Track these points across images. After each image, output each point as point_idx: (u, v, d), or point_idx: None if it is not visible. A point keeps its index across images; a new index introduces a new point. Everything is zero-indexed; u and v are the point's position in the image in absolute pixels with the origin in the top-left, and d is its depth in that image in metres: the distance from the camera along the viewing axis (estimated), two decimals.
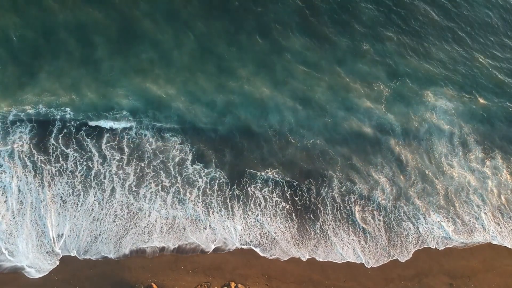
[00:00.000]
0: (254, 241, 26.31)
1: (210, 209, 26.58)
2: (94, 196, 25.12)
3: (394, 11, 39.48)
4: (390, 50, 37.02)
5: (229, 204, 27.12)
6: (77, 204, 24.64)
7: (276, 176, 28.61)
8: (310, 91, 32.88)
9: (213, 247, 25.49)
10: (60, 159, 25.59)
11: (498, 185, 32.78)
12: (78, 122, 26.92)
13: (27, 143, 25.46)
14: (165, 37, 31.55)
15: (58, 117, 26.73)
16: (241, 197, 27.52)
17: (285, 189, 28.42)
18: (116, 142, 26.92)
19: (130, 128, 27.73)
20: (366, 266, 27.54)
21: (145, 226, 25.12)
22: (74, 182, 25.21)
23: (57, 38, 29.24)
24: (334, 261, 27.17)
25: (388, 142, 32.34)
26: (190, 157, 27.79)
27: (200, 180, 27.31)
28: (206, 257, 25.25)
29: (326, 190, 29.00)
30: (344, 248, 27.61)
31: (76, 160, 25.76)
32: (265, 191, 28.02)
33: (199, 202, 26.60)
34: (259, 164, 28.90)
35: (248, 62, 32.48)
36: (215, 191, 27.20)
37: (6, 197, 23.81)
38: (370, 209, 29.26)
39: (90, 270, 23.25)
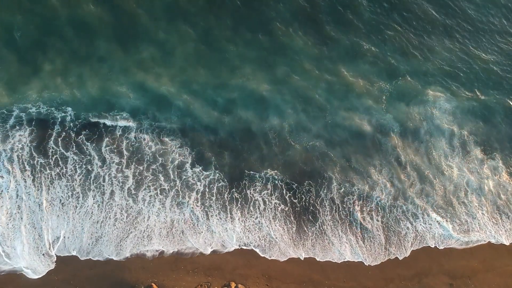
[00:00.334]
0: (253, 242, 26.67)
1: (209, 212, 26.96)
2: (94, 199, 25.52)
3: (394, 10, 40.25)
4: (391, 49, 37.63)
5: (228, 207, 27.50)
6: (76, 207, 25.01)
7: (276, 177, 29.08)
8: (311, 90, 33.45)
9: (210, 250, 25.78)
10: (59, 162, 26.01)
11: (497, 185, 33.30)
12: (77, 123, 27.30)
13: (27, 145, 25.93)
14: (166, 35, 32.16)
15: (58, 117, 27.19)
16: (240, 200, 27.89)
17: (284, 191, 28.86)
18: (115, 145, 27.36)
19: (130, 130, 28.23)
20: (365, 263, 27.84)
21: (144, 230, 25.46)
22: (73, 185, 25.62)
23: (56, 36, 29.82)
24: (333, 260, 27.48)
25: (387, 143, 32.87)
26: (189, 160, 28.25)
27: (199, 183, 27.71)
28: (206, 258, 25.57)
29: (325, 191, 29.49)
30: (342, 247, 27.98)
31: (75, 163, 26.19)
32: (264, 193, 28.44)
33: (197, 206, 26.99)
34: (258, 166, 29.36)
35: (249, 60, 33.08)
36: (214, 194, 27.62)
37: (4, 198, 24.17)
38: (368, 209, 29.73)
39: (90, 270, 23.53)
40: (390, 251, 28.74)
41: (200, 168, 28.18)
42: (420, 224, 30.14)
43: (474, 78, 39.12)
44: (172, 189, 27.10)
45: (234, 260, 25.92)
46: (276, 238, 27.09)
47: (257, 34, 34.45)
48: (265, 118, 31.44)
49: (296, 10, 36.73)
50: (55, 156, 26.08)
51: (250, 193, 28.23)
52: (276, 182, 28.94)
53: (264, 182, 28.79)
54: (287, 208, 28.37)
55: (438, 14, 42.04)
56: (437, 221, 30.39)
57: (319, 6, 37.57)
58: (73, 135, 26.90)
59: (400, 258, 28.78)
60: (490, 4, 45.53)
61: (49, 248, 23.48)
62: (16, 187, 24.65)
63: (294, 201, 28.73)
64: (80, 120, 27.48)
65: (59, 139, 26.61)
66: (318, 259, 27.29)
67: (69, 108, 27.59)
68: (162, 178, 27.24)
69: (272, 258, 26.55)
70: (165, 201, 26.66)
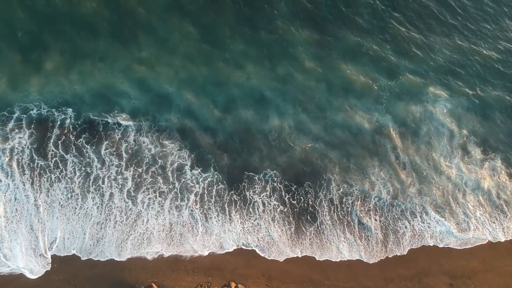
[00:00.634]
0: (252, 243, 27.00)
1: (207, 215, 27.30)
2: (93, 201, 25.89)
3: (395, 9, 41.04)
4: (391, 48, 38.23)
5: (227, 209, 27.85)
6: (75, 208, 25.38)
7: (275, 179, 29.49)
8: (311, 90, 34.00)
9: (207, 253, 26.09)
10: (59, 164, 26.42)
11: (496, 185, 33.74)
12: (77, 125, 27.78)
13: (27, 148, 26.36)
14: (166, 33, 32.86)
15: (58, 119, 27.65)
16: (239, 201, 28.24)
17: (283, 193, 29.23)
18: (115, 148, 27.79)
19: (130, 132, 28.67)
20: (364, 261, 28.15)
21: (143, 233, 25.79)
22: (72, 187, 26.01)
23: (57, 34, 30.47)
24: (331, 259, 27.78)
25: (387, 143, 33.33)
26: (189, 162, 28.65)
27: (197, 186, 28.08)
28: (206, 258, 25.85)
29: (324, 192, 29.89)
30: (340, 246, 28.32)
31: (74, 165, 26.60)
32: (263, 195, 28.82)
33: (196, 208, 27.35)
34: (258, 167, 29.76)
35: (250, 60, 33.68)
36: (213, 197, 27.98)
37: (3, 199, 24.57)
38: (367, 208, 30.13)
39: (90, 270, 23.79)
40: (388, 248, 29.06)
41: (199, 170, 28.55)
42: (419, 223, 30.53)
43: (474, 78, 39.67)
44: (171, 191, 27.42)
45: (234, 260, 26.20)
46: (275, 238, 27.39)
47: (258, 34, 35.09)
48: (265, 119, 31.84)
49: (297, 9, 37.41)
50: (54, 159, 26.46)
51: (250, 194, 28.59)
52: (275, 184, 29.29)
53: (263, 183, 29.13)
54: (286, 209, 28.73)
55: (439, 12, 42.73)
56: (435, 220, 30.76)
57: (320, 5, 38.24)
58: (73, 138, 27.28)
59: (399, 254, 29.06)
60: (491, 2, 46.24)
61: (46, 250, 23.74)
62: (14, 190, 24.98)
63: (293, 202, 29.09)
64: (80, 122, 27.92)
65: (59, 141, 27.00)
66: (317, 258, 27.56)
67: (70, 109, 28.07)
68: (161, 181, 27.58)
69: (271, 257, 26.81)
70: (163, 203, 26.94)
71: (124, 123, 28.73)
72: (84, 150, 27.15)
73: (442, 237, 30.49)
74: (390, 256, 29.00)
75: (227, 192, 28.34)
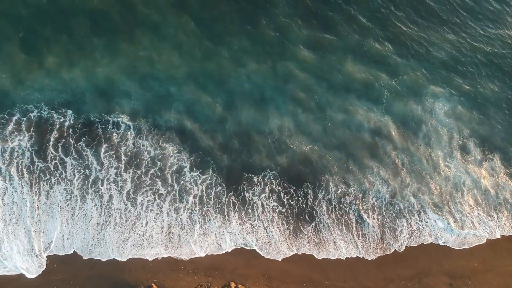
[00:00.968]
0: (250, 243, 27.39)
1: (206, 216, 27.69)
2: (92, 202, 26.31)
3: (396, 8, 41.66)
4: (392, 48, 38.77)
5: (226, 210, 28.23)
6: (74, 208, 25.79)
7: (273, 181, 29.93)
8: (311, 91, 34.49)
9: (203, 254, 26.42)
10: (59, 166, 26.86)
11: (495, 185, 34.25)
12: (77, 127, 28.24)
13: (28, 150, 26.82)
14: (167, 33, 33.51)
15: (58, 121, 28.12)
16: (237, 203, 28.64)
17: (282, 194, 29.65)
18: (114, 150, 28.24)
19: (130, 134, 29.16)
20: (362, 257, 28.62)
21: (142, 235, 26.18)
22: (71, 189, 26.44)
23: (57, 33, 31.11)
24: (329, 257, 28.20)
25: (386, 143, 33.79)
26: (188, 165, 29.06)
27: (196, 188, 28.48)
28: (206, 258, 26.19)
29: (323, 193, 30.32)
30: (338, 243, 28.77)
31: (74, 168, 27.04)
32: (262, 196, 29.24)
33: (196, 210, 27.75)
34: (257, 169, 30.18)
35: (250, 59, 34.24)
36: (212, 199, 28.40)
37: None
38: (365, 207, 30.60)
39: (90, 270, 24.09)
40: (385, 245, 29.46)
41: (198, 171, 28.94)
42: (417, 222, 30.98)
43: (475, 77, 40.17)
44: (170, 194, 27.84)
45: (234, 260, 26.53)
46: (274, 237, 27.77)
47: (258, 33, 35.68)
48: (265, 120, 32.25)
49: (298, 8, 38.10)
50: (54, 161, 26.88)
51: (249, 196, 29.00)
52: (274, 186, 29.71)
53: (262, 185, 29.56)
54: (284, 209, 29.13)
55: (439, 10, 43.47)
56: (434, 219, 31.23)
57: (321, 3, 38.98)
58: (73, 141, 27.72)
59: (398, 250, 29.51)
60: (492, 7, 46.99)
61: (41, 250, 24.09)
62: (12, 193, 25.39)
63: (292, 202, 29.49)
64: (80, 124, 28.37)
65: (59, 144, 27.44)
66: (315, 255, 27.95)
67: (70, 111, 28.58)
68: (159, 183, 27.97)
69: (270, 256, 27.13)
70: (162, 205, 27.31)
71: (123, 125, 29.20)
72: (84, 153, 27.54)
73: (440, 235, 30.90)
74: (388, 253, 29.35)
75: (225, 194, 28.71)
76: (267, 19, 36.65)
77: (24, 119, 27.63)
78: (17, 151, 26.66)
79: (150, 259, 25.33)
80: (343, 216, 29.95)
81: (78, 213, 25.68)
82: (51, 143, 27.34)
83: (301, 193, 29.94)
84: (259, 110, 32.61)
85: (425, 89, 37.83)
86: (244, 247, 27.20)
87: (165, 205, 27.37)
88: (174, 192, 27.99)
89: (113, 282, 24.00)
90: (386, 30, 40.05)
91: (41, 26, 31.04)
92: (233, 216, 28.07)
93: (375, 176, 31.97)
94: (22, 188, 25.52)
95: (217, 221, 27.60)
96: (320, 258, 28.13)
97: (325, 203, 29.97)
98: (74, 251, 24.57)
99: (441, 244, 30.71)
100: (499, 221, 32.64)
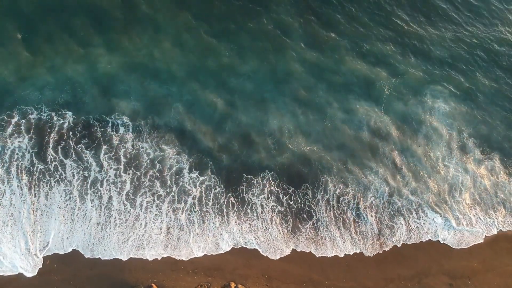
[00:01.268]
0: (249, 242, 27.70)
1: (205, 217, 27.99)
2: (91, 203, 26.64)
3: (396, 7, 42.37)
4: (391, 48, 39.29)
5: (225, 211, 28.53)
6: (74, 208, 26.12)
7: (273, 182, 30.27)
8: (311, 92, 34.93)
9: (201, 254, 26.73)
10: (58, 167, 27.21)
11: (494, 184, 34.64)
12: (77, 129, 28.61)
13: (28, 152, 27.17)
14: (166, 33, 34.05)
15: (57, 123, 28.51)
16: (236, 204, 28.96)
17: (281, 195, 29.95)
18: (114, 152, 28.60)
19: (129, 136, 29.54)
20: (360, 252, 29.08)
21: (142, 235, 26.48)
22: (71, 190, 26.78)
23: (57, 32, 31.80)
24: (325, 254, 28.53)
25: (385, 143, 34.16)
26: (187, 166, 29.41)
27: (195, 189, 28.80)
28: (206, 258, 26.45)
29: (322, 193, 30.68)
30: (336, 240, 29.16)
31: (73, 168, 27.38)
32: (261, 197, 29.57)
33: (194, 211, 28.07)
34: (256, 170, 30.52)
35: (250, 59, 34.78)
36: (211, 200, 28.71)
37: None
38: (364, 206, 30.96)
39: (90, 270, 24.33)
40: (383, 241, 29.81)
41: (197, 173, 29.26)
42: (414, 220, 31.34)
43: (474, 78, 40.65)
44: (169, 195, 28.18)
45: (234, 260, 26.77)
46: (273, 235, 28.08)
47: (259, 32, 36.33)
48: (265, 121, 32.63)
49: (298, 7, 38.80)
50: (54, 163, 27.22)
51: (248, 196, 29.31)
52: (273, 187, 30.04)
53: (261, 186, 29.90)
54: (283, 209, 29.44)
55: (440, 8, 44.23)
56: (432, 217, 31.59)
57: (321, 3, 39.69)
58: (73, 143, 28.07)
59: (398, 245, 29.98)
60: (493, 7, 47.71)
61: (37, 251, 24.37)
62: (11, 194, 25.71)
63: (291, 202, 29.81)
64: (79, 126, 28.75)
65: (59, 146, 27.79)
66: (313, 252, 28.28)
67: (69, 112, 28.99)
68: (158, 184, 28.30)
69: (268, 254, 27.41)
70: (161, 206, 27.62)
71: (123, 127, 29.59)
72: (84, 155, 27.90)
73: (438, 233, 31.21)
74: (386, 250, 29.66)
75: (224, 195, 29.03)
76: (268, 18, 37.29)
77: (24, 121, 27.99)
78: (17, 154, 26.95)
79: (150, 259, 25.55)
80: (341, 215, 30.32)
81: (78, 213, 25.95)
82: (50, 145, 27.66)
83: (300, 194, 30.27)
84: (259, 110, 33.02)
85: (425, 88, 38.28)
86: (243, 246, 27.45)
87: (164, 206, 27.64)
88: (173, 193, 28.23)
89: (113, 282, 24.22)
90: (387, 30, 40.66)
91: (41, 25, 31.71)
92: (232, 216, 28.39)
93: (373, 175, 32.34)
94: (21, 190, 25.80)
95: (216, 221, 27.89)
96: (319, 256, 28.41)
97: (323, 202, 30.33)
98: (74, 251, 24.82)
99: (441, 241, 30.97)
100: (496, 218, 33.01)
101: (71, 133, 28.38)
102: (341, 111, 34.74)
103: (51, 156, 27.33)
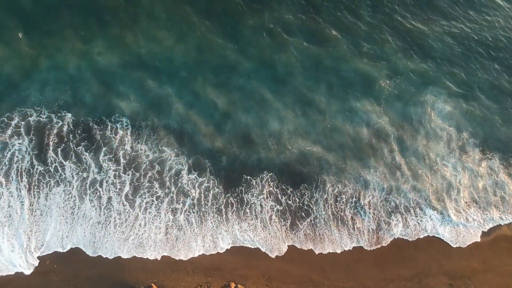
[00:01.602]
0: (248, 241, 28.00)
1: (203, 218, 28.30)
2: (91, 203, 26.98)
3: (396, 9, 42.82)
4: (391, 49, 39.72)
5: (224, 210, 28.83)
6: (73, 208, 26.45)
7: (272, 182, 30.61)
8: (311, 92, 35.30)
9: (197, 254, 26.99)
10: (58, 168, 27.54)
11: (493, 184, 34.96)
12: (76, 130, 28.93)
13: (28, 154, 27.51)
14: (166, 32, 34.53)
15: (56, 125, 28.85)
16: (235, 204, 29.27)
17: (280, 195, 30.27)
18: (113, 154, 28.94)
19: (129, 137, 29.88)
20: (358, 246, 29.60)
21: (141, 235, 26.78)
22: (70, 190, 27.11)
23: (56, 31, 32.24)
24: (323, 250, 28.90)
25: (384, 142, 34.54)
26: (186, 167, 29.70)
27: (193, 190, 29.07)
28: (206, 258, 26.69)
29: (320, 193, 31.02)
30: (333, 236, 29.57)
31: (72, 170, 27.70)
32: (260, 197, 29.90)
33: (193, 212, 28.38)
34: (255, 170, 30.82)
35: (249, 60, 35.13)
36: (209, 200, 28.99)
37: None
38: (362, 204, 31.31)
39: (90, 270, 24.56)
40: (380, 236, 30.21)
41: (196, 173, 29.57)
42: (412, 218, 31.69)
43: (475, 77, 41.11)
44: (168, 195, 28.50)
45: (234, 261, 27.01)
46: (271, 233, 28.40)
47: (259, 32, 36.76)
48: (264, 122, 32.96)
49: (298, 7, 39.28)
50: (54, 165, 27.55)
51: (247, 197, 29.63)
52: (272, 188, 30.35)
53: (260, 187, 30.23)
54: (282, 208, 29.76)
55: (441, 8, 44.79)
56: (429, 215, 31.95)
57: (320, 6, 40.18)
58: (72, 145, 28.38)
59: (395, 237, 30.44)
60: (495, 5, 48.33)
61: (33, 250, 24.64)
62: (10, 195, 26.05)
63: (289, 202, 30.11)
64: (79, 128, 29.06)
65: (59, 149, 28.12)
66: (311, 247, 28.64)
67: (69, 114, 29.37)
68: (158, 185, 28.63)
69: (267, 251, 27.71)
70: (160, 206, 27.93)
71: (123, 129, 29.96)
72: (83, 157, 28.24)
73: (436, 230, 31.53)
74: (384, 245, 30.06)
75: (223, 195, 29.34)
76: (269, 18, 37.77)
77: (23, 122, 28.29)
78: (17, 156, 27.25)
79: (150, 258, 25.81)
80: (339, 212, 30.67)
81: (77, 213, 26.27)
82: (50, 147, 27.96)
83: (298, 194, 30.61)
84: (258, 111, 33.36)
85: (425, 87, 38.68)
86: (242, 244, 27.70)
87: (163, 206, 27.92)
88: (172, 194, 28.56)
89: (113, 282, 24.45)
90: (388, 29, 41.13)
91: (42, 23, 32.21)
92: (231, 216, 28.70)
93: (372, 174, 32.70)
94: (20, 192, 26.08)
95: (215, 221, 28.19)
96: (317, 252, 28.71)
97: (322, 201, 30.67)
98: (74, 252, 25.05)
99: (438, 237, 31.25)
100: (494, 216, 33.39)
101: (71, 135, 28.64)
102: (341, 111, 35.11)
103: (51, 158, 27.60)
